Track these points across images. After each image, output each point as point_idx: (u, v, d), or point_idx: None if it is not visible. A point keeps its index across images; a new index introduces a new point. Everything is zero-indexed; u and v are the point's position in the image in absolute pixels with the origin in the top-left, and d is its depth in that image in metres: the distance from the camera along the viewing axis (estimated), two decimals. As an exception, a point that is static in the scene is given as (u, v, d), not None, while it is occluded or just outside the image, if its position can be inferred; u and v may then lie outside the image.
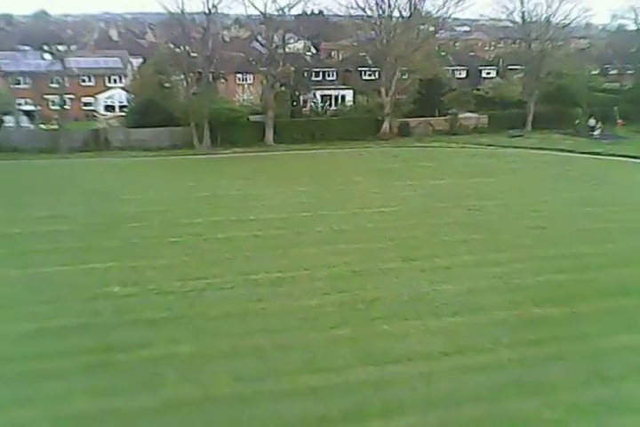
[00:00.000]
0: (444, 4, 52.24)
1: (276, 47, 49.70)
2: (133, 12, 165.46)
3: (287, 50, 54.11)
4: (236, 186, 32.77)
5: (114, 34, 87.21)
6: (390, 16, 51.56)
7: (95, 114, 58.94)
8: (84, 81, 62.28)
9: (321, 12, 75.35)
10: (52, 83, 50.93)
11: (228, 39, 69.32)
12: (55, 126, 47.01)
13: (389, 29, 50.96)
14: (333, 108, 56.21)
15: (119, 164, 41.10)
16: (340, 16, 63.97)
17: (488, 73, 72.74)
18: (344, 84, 64.23)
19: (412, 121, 51.99)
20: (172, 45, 54.17)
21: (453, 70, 69.37)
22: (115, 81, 64.02)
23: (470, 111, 55.18)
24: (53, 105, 51.63)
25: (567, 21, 54.78)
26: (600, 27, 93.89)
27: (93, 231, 24.13)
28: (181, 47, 48.78)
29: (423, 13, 53.33)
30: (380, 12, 51.18)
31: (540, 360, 14.03)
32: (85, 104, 61.45)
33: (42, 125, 49.27)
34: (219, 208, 27.84)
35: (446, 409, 12.23)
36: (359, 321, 15.94)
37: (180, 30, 47.52)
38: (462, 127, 52.60)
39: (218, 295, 17.72)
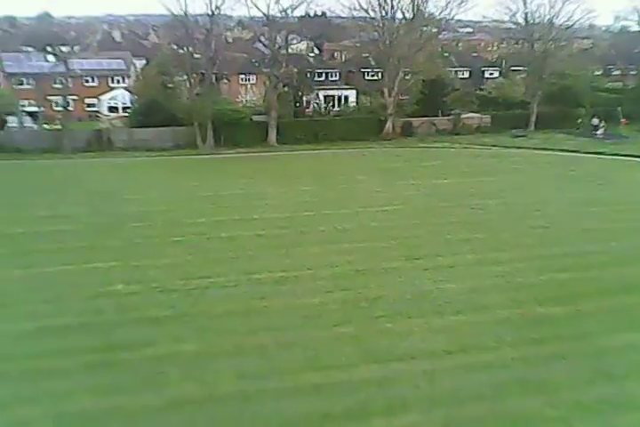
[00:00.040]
0: (446, 5, 52.31)
1: (279, 48, 49.74)
2: (136, 14, 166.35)
3: (290, 51, 54.10)
4: (239, 185, 32.76)
5: (117, 35, 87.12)
6: (393, 18, 51.59)
7: (98, 115, 59.05)
8: (87, 82, 62.24)
9: (324, 14, 75.17)
10: (55, 84, 51.00)
11: (230, 40, 69.18)
12: (58, 127, 47.07)
13: (392, 31, 50.91)
14: (336, 108, 56.31)
15: (122, 164, 41.15)
16: (342, 17, 63.98)
17: (491, 73, 72.69)
18: (347, 85, 64.24)
19: (415, 121, 52.00)
20: (175, 46, 54.19)
21: (456, 71, 69.23)
22: (118, 82, 64.08)
23: (473, 111, 55.10)
24: (57, 106, 51.70)
25: (570, 22, 54.77)
26: (603, 28, 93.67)
27: (96, 231, 24.15)
28: (184, 48, 48.86)
29: (426, 15, 53.15)
30: (383, 13, 51.21)
31: (543, 359, 14.00)
32: (89, 105, 61.54)
33: (45, 126, 49.34)
34: (222, 208, 27.85)
35: (449, 407, 12.21)
36: (362, 319, 15.93)
37: (184, 32, 47.71)
38: (465, 127, 52.57)
39: (221, 294, 17.73)
